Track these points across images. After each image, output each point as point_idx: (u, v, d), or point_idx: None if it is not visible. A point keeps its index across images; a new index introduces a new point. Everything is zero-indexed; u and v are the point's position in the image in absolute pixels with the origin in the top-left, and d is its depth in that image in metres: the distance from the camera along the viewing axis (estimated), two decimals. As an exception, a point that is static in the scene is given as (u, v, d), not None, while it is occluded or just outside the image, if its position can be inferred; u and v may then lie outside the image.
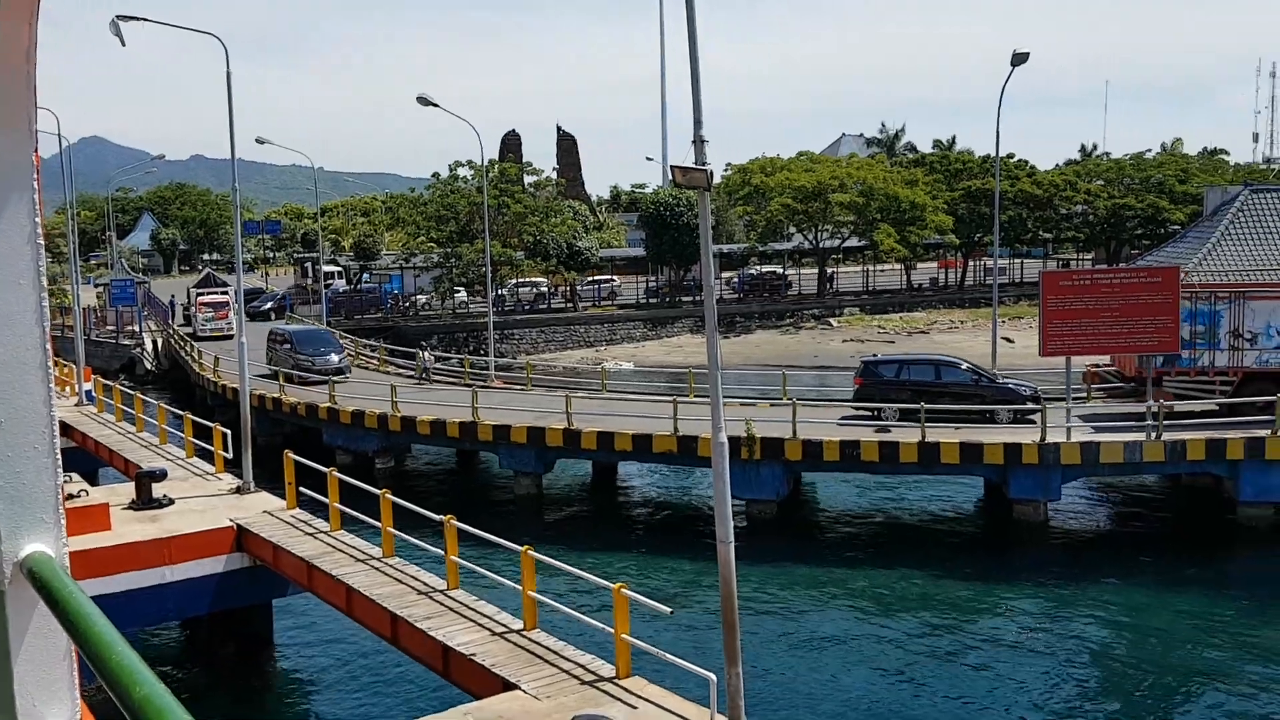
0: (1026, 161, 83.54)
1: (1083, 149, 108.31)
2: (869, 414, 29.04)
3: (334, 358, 39.96)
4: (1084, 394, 31.84)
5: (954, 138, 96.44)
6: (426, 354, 42.31)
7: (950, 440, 26.34)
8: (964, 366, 29.98)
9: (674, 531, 28.33)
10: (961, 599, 22.27)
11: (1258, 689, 17.78)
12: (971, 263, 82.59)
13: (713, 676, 11.55)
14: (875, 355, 33.73)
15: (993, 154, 37.52)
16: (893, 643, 19.99)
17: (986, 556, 25.60)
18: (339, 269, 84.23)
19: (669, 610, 13.51)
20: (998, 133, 36.19)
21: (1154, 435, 25.89)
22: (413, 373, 41.98)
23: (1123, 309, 27.32)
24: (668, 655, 12.79)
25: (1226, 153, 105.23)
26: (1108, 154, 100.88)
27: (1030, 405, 27.96)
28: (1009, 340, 52.66)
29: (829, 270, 78.28)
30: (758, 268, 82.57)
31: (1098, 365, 33.21)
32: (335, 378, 36.53)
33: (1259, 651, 19.47)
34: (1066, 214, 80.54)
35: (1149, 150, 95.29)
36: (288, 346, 40.17)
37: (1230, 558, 25.16)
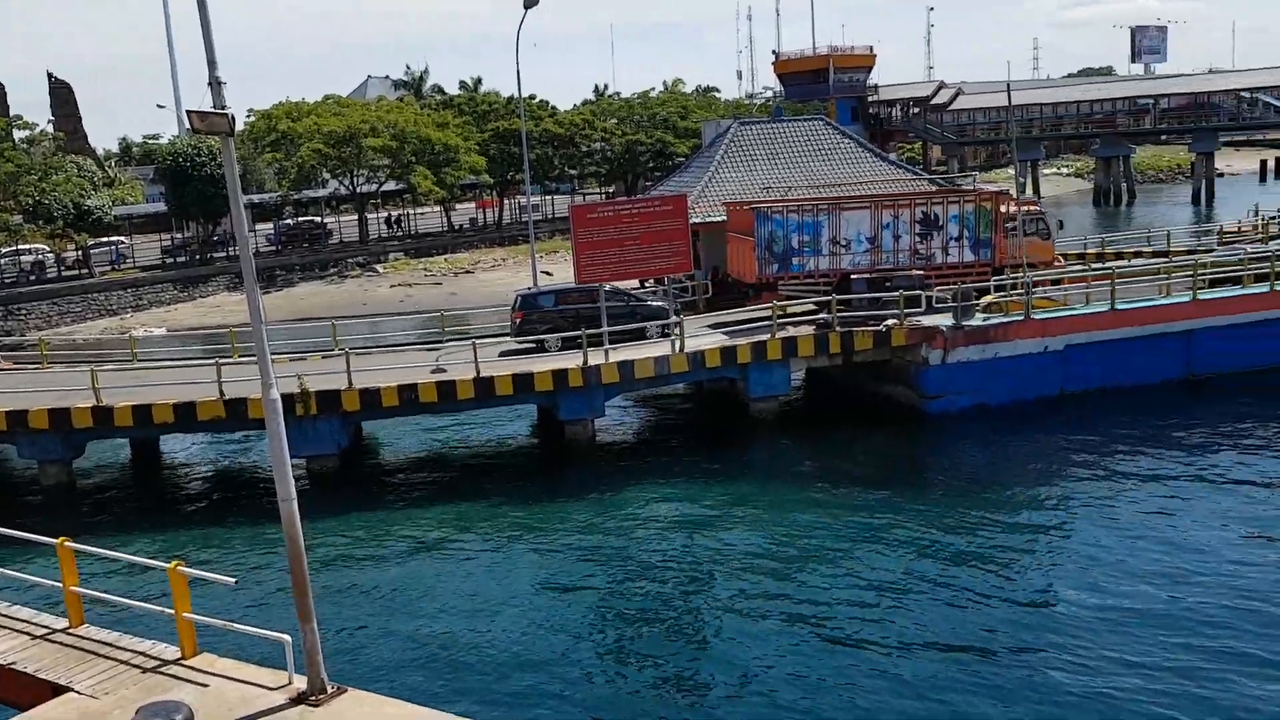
0: (548, 102, 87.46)
1: (596, 89, 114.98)
2: (532, 347, 29.60)
3: None
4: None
5: (479, 79, 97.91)
6: None
7: (503, 373, 27.51)
8: (606, 288, 30.88)
9: (232, 500, 27.12)
10: (524, 521, 23.57)
11: (772, 547, 20.78)
12: (507, 201, 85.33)
13: (287, 638, 11.48)
14: (529, 288, 33.73)
15: (517, 95, 38.90)
16: (460, 575, 20.81)
17: (544, 477, 27.23)
18: None
19: (234, 580, 13.15)
20: (518, 74, 37.66)
21: (678, 348, 28.81)
22: None
23: (644, 236, 29.83)
24: (237, 625, 12.50)
25: (718, 90, 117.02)
26: (619, 93, 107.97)
27: (675, 319, 30.02)
28: (548, 274, 55.36)
29: (398, 214, 77.27)
30: (294, 218, 79.47)
31: (633, 288, 36.10)
32: None
33: (774, 523, 22.67)
34: (588, 151, 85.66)
35: (653, 89, 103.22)
36: None
37: (747, 447, 28.77)
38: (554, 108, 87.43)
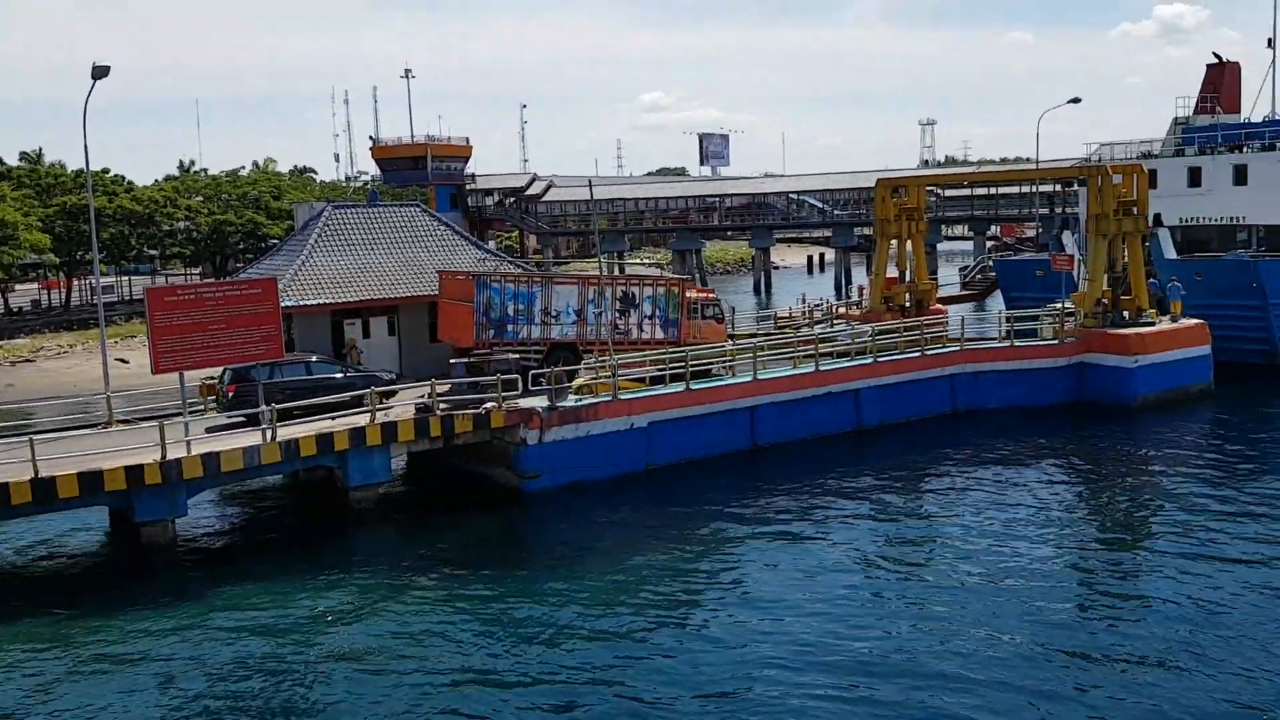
0: (124, 176, 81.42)
1: (181, 165, 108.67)
2: (243, 421, 28.44)
3: None
4: (201, 407, 32.64)
5: (41, 150, 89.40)
6: None
7: (67, 473, 24.88)
8: (314, 359, 32.07)
9: None
10: (89, 640, 21.22)
11: (369, 640, 20.37)
12: (78, 282, 77.90)
13: None
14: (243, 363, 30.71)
15: (85, 168, 35.91)
16: (7, 708, 18.45)
17: (116, 589, 24.41)
18: None
19: None
20: (86, 147, 34.68)
21: (270, 437, 27.59)
22: None
23: (229, 320, 28.40)
24: None
25: (315, 171, 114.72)
26: (205, 170, 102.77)
27: (393, 386, 31.04)
28: (124, 361, 51.08)
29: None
30: None
31: (211, 378, 34.01)
32: None
33: (372, 616, 22.20)
34: (170, 230, 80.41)
35: (244, 167, 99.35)
36: None
37: (345, 539, 27.89)
38: (131, 183, 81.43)
